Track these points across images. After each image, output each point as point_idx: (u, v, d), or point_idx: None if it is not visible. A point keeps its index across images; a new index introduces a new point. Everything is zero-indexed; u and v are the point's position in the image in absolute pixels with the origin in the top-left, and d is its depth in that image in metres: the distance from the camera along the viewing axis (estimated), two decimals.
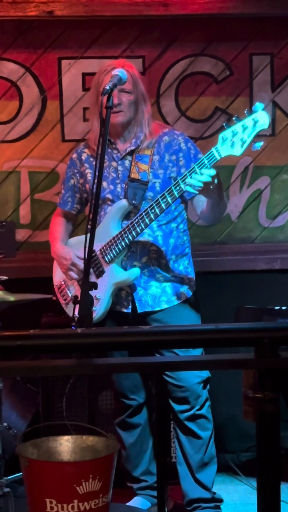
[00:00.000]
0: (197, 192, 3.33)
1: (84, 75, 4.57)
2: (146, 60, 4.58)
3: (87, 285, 2.76)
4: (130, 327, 2.77)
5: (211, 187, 3.31)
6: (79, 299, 2.78)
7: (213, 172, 3.29)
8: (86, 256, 2.91)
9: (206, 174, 3.28)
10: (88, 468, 2.00)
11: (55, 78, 4.58)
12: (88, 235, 2.93)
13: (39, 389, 4.13)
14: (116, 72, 3.25)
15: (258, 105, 3.30)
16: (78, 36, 4.54)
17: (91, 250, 2.93)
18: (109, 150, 3.63)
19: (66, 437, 2.18)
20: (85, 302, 2.71)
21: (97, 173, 2.90)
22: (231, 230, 4.72)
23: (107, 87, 3.10)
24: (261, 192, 4.72)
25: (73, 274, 3.63)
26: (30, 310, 3.97)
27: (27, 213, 4.64)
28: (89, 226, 3.65)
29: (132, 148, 3.61)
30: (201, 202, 3.57)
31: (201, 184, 3.28)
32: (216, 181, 3.32)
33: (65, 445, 2.16)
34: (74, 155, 3.78)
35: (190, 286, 3.70)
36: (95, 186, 3.00)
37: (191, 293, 3.70)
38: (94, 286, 2.84)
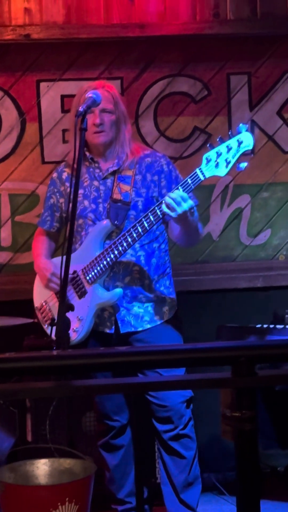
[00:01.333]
0: (173, 215, 3.32)
1: (63, 97, 4.58)
2: (124, 81, 4.59)
3: (63, 308, 2.76)
4: (106, 348, 2.77)
5: (186, 218, 3.31)
6: (56, 321, 2.77)
7: (184, 194, 3.30)
8: (61, 278, 2.90)
9: (186, 206, 3.28)
10: (64, 491, 1.98)
11: (34, 100, 4.59)
12: (64, 257, 2.93)
13: (24, 413, 4.12)
14: (90, 94, 3.27)
15: (242, 126, 3.32)
16: (56, 59, 4.55)
17: (67, 272, 2.93)
18: (91, 169, 3.65)
19: (43, 460, 2.17)
20: (62, 324, 2.70)
21: (71, 197, 2.90)
22: (212, 249, 4.73)
23: (81, 109, 3.12)
24: (242, 211, 4.73)
25: (54, 286, 3.63)
26: (12, 332, 3.96)
27: (8, 235, 4.63)
28: (72, 247, 3.69)
29: (114, 168, 3.63)
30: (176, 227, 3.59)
31: (176, 206, 3.27)
32: (192, 212, 3.33)
33: (42, 469, 2.15)
34: (55, 175, 3.80)
35: (172, 306, 3.71)
36: (71, 205, 3.00)
37: (173, 313, 3.70)
38: (71, 308, 2.84)
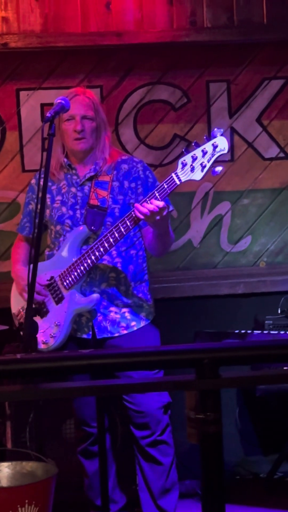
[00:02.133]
0: (143, 218, 3.34)
1: (43, 105, 4.59)
2: (104, 89, 4.61)
3: (30, 312, 2.77)
4: (69, 351, 2.77)
5: (157, 217, 3.31)
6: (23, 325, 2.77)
7: (160, 203, 3.30)
8: (29, 282, 2.91)
9: (154, 204, 3.29)
10: (24, 493, 1.98)
11: (14, 109, 4.61)
12: (32, 262, 2.93)
13: (3, 420, 4.11)
14: (59, 99, 3.28)
15: (217, 130, 3.32)
16: (35, 67, 4.57)
17: (34, 276, 2.94)
18: (69, 175, 3.67)
19: (5, 464, 2.17)
20: (29, 328, 2.71)
21: (39, 206, 2.93)
22: (193, 256, 4.74)
23: (48, 115, 3.14)
24: (222, 217, 4.75)
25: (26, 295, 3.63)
26: None
27: None
28: (47, 252, 3.70)
29: (92, 174, 3.64)
30: (149, 233, 3.60)
31: (147, 211, 3.29)
32: (164, 213, 3.33)
33: (5, 471, 2.15)
34: (33, 181, 3.81)
35: (149, 312, 3.71)
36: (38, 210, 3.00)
37: (150, 319, 3.71)
38: (38, 312, 2.84)
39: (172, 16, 4.47)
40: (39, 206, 3.00)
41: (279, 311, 4.40)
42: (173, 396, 3.74)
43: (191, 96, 4.68)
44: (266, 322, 4.31)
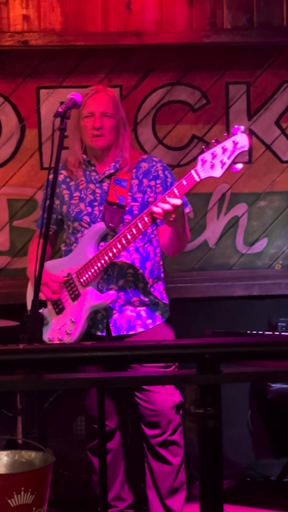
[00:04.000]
0: (160, 216, 3.33)
1: (62, 104, 4.60)
2: (124, 89, 4.63)
3: (36, 303, 2.79)
4: (72, 343, 2.79)
5: (174, 215, 3.30)
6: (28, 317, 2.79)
7: (177, 201, 3.28)
8: (36, 274, 2.93)
9: (170, 202, 3.27)
10: (19, 481, 2.00)
11: (34, 107, 4.64)
12: (40, 252, 2.95)
13: (15, 415, 4.14)
14: (71, 95, 3.30)
15: (238, 127, 3.28)
16: (56, 66, 4.60)
17: (41, 267, 2.95)
18: (88, 172, 3.67)
19: (4, 452, 2.19)
20: (34, 320, 2.73)
21: (47, 203, 2.94)
22: (208, 257, 4.75)
23: (60, 110, 3.15)
24: (239, 219, 4.75)
25: (42, 294, 3.65)
26: (7, 335, 3.98)
27: (5, 240, 4.67)
28: (64, 248, 3.72)
29: (111, 171, 3.64)
30: (165, 232, 3.59)
31: (160, 211, 3.28)
32: (180, 211, 3.31)
33: (4, 460, 2.17)
34: (51, 176, 3.79)
35: (164, 311, 3.71)
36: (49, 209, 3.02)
37: (165, 318, 3.71)
38: (43, 304, 2.86)
39: (192, 17, 4.49)
40: (47, 203, 3.02)
41: None
42: (185, 396, 3.73)
43: (210, 97, 4.69)
44: (279, 324, 4.31)
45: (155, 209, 3.29)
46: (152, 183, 3.65)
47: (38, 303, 2.83)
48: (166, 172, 3.71)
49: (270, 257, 4.77)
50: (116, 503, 3.79)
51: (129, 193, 3.61)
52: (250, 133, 4.71)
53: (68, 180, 3.71)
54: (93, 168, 3.67)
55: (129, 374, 2.30)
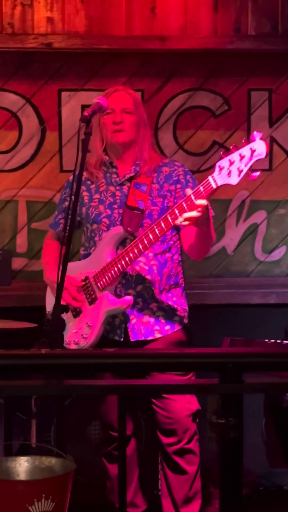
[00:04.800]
0: (187, 223, 3.29)
1: (84, 107, 4.62)
2: (145, 93, 4.63)
3: (58, 309, 2.77)
4: (95, 349, 2.78)
5: (201, 216, 3.27)
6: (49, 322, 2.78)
7: (203, 202, 3.24)
8: (58, 280, 2.91)
9: (197, 204, 3.22)
10: (41, 487, 1.99)
11: (55, 109, 4.64)
12: (62, 259, 2.94)
13: (29, 418, 4.13)
14: (98, 99, 3.29)
15: (256, 134, 3.24)
16: (78, 69, 4.60)
17: (64, 274, 2.94)
18: (108, 174, 3.65)
19: (25, 458, 2.18)
20: (55, 325, 2.72)
21: (65, 204, 2.91)
22: (226, 264, 4.73)
23: (86, 114, 3.13)
24: (258, 226, 4.73)
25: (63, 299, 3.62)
26: (23, 337, 3.98)
27: (23, 242, 4.67)
28: (83, 252, 3.71)
29: (132, 174, 3.62)
30: (190, 234, 3.55)
31: (191, 215, 3.24)
32: (205, 211, 3.27)
33: (24, 465, 2.16)
34: (71, 177, 3.75)
35: (183, 316, 3.69)
36: (71, 211, 3.00)
37: (184, 324, 3.69)
38: (65, 309, 2.85)
39: (216, 23, 4.48)
40: (65, 204, 2.98)
41: None
42: (201, 403, 3.72)
43: (232, 103, 4.68)
44: None
45: (183, 217, 3.23)
46: (173, 187, 3.62)
47: (60, 308, 2.81)
48: (188, 176, 3.68)
49: None
50: (130, 510, 3.76)
51: (149, 197, 3.59)
52: (271, 140, 4.70)
53: (88, 182, 3.69)
54: (114, 170, 3.65)
55: (150, 382, 2.28)
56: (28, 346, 4.13)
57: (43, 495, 1.99)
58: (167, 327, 3.63)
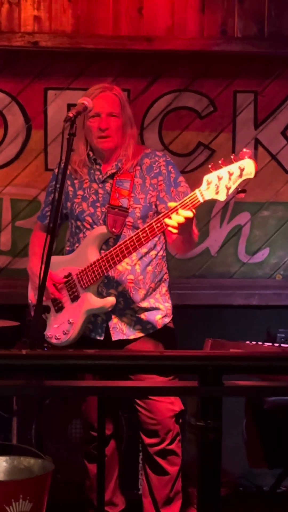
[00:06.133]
0: (172, 231, 3.27)
1: (69, 106, 4.62)
2: (131, 93, 4.63)
3: (40, 308, 2.78)
4: (75, 350, 2.78)
5: (185, 225, 3.26)
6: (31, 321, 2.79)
7: (190, 214, 3.21)
8: (40, 279, 2.92)
9: (183, 215, 3.20)
10: (19, 488, 1.99)
11: (41, 108, 4.64)
12: (44, 257, 2.94)
13: (9, 415, 4.13)
14: (82, 100, 3.29)
15: (245, 152, 3.19)
16: (64, 68, 4.60)
17: (46, 273, 2.94)
18: (92, 170, 3.64)
19: (3, 458, 2.18)
20: (37, 324, 2.72)
21: (51, 197, 2.90)
22: (210, 265, 4.74)
23: (70, 115, 3.13)
24: (241, 228, 4.75)
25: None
26: (5, 336, 3.98)
27: (7, 240, 4.67)
28: (68, 249, 3.71)
29: (113, 171, 3.61)
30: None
31: (176, 225, 3.22)
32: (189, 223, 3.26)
33: (2, 465, 2.16)
34: (57, 170, 3.74)
35: (166, 314, 3.68)
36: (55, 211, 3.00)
37: (168, 321, 3.68)
38: (47, 309, 2.85)
39: (203, 25, 4.49)
40: (51, 197, 2.94)
41: None
42: (185, 404, 3.73)
43: (217, 105, 4.69)
44: (278, 335, 4.30)
45: (169, 222, 3.23)
46: (154, 180, 3.61)
47: (41, 308, 2.82)
48: (170, 167, 3.65)
49: (271, 267, 4.77)
50: (108, 509, 3.78)
51: (132, 194, 3.59)
52: (256, 142, 4.71)
53: (72, 177, 3.68)
54: (97, 167, 3.63)
55: (132, 384, 2.28)
56: (10, 344, 4.15)
57: (21, 496, 1.99)
58: (149, 326, 3.63)
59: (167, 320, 3.69)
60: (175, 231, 3.23)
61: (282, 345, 4.02)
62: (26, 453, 2.38)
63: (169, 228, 3.24)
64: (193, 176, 4.57)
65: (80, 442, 4.03)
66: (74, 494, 4.02)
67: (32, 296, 3.75)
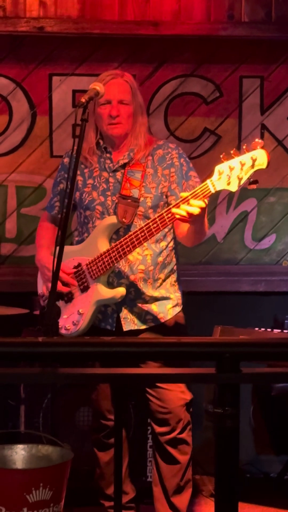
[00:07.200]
0: (183, 221, 3.25)
1: (74, 92, 4.59)
2: (137, 79, 4.54)
3: (53, 296, 2.76)
4: (92, 337, 2.76)
5: (197, 215, 3.21)
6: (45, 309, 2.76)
7: (202, 204, 3.18)
8: (54, 268, 2.89)
9: (195, 205, 3.17)
10: (39, 476, 1.98)
11: (45, 94, 4.61)
12: (57, 248, 2.91)
13: (17, 403, 4.12)
14: (94, 85, 3.25)
15: (258, 142, 3.16)
16: (69, 53, 4.57)
17: (59, 261, 2.92)
18: (102, 159, 3.61)
19: (21, 446, 2.17)
20: (51, 312, 2.70)
21: (60, 187, 2.87)
22: (216, 251, 4.72)
23: (83, 100, 3.10)
24: (248, 214, 4.73)
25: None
26: (12, 323, 3.97)
27: (13, 227, 4.64)
28: (77, 238, 3.68)
29: (125, 161, 3.57)
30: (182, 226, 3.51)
31: (187, 214, 3.19)
32: (202, 212, 3.21)
33: (20, 454, 2.15)
34: (66, 159, 3.69)
35: (176, 303, 3.65)
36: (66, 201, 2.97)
37: (178, 310, 3.66)
38: (60, 297, 2.83)
39: (209, 9, 4.45)
40: (60, 187, 2.91)
41: None
42: (195, 393, 3.72)
43: (223, 90, 4.66)
44: (286, 321, 4.29)
45: (177, 211, 3.20)
46: (166, 171, 3.58)
47: (55, 295, 2.79)
48: (182, 160, 3.62)
49: (278, 253, 4.75)
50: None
51: (143, 184, 3.55)
52: (262, 127, 4.69)
53: (82, 166, 3.64)
54: (108, 155, 3.60)
55: (146, 371, 2.27)
56: (17, 331, 4.14)
57: (41, 484, 1.98)
58: (160, 316, 3.61)
59: (177, 309, 3.66)
60: (183, 221, 3.21)
61: None
62: (38, 439, 2.37)
63: (180, 218, 3.20)
64: (199, 162, 4.55)
65: (88, 430, 4.01)
66: (82, 482, 4.01)
67: (42, 288, 3.70)
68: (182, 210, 3.19)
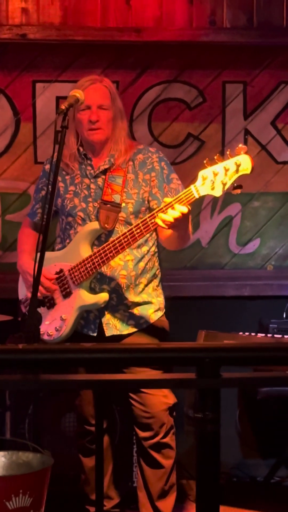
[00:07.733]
0: (166, 227, 3.26)
1: (58, 98, 4.61)
2: (120, 85, 4.61)
3: (34, 302, 2.76)
4: (72, 343, 2.77)
5: (180, 220, 3.21)
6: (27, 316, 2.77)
7: (185, 209, 3.18)
8: (35, 274, 2.90)
9: (178, 210, 3.18)
10: (18, 483, 1.98)
11: (29, 100, 4.61)
12: (38, 254, 2.92)
13: (3, 410, 4.12)
14: (74, 92, 3.27)
15: (241, 147, 3.16)
16: (52, 60, 4.58)
17: (40, 267, 2.92)
18: (83, 166, 3.62)
19: (2, 453, 2.17)
20: (32, 318, 2.70)
21: (41, 193, 2.89)
22: (201, 256, 4.74)
23: (63, 107, 3.11)
24: (232, 219, 4.74)
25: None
26: None
27: None
28: (59, 245, 3.69)
29: (106, 166, 3.58)
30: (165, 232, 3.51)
31: (172, 220, 3.20)
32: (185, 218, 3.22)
33: (1, 461, 2.15)
34: (47, 166, 3.69)
35: (158, 308, 3.67)
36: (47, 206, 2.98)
37: (160, 315, 3.67)
38: (42, 303, 2.84)
39: (191, 15, 4.47)
40: (41, 193, 2.93)
41: (284, 316, 4.39)
42: (178, 397, 3.72)
43: (206, 96, 4.68)
44: (270, 325, 4.30)
45: (164, 216, 3.20)
46: (147, 176, 3.59)
47: (36, 301, 2.80)
48: (163, 163, 3.63)
49: (263, 257, 4.77)
50: (103, 502, 3.77)
51: (124, 190, 3.57)
52: (246, 133, 4.71)
53: (64, 173, 3.65)
54: (89, 162, 3.61)
55: (128, 377, 2.27)
56: (2, 338, 4.14)
57: (21, 491, 1.98)
58: (142, 321, 3.62)
59: (160, 314, 3.68)
60: (166, 227, 3.22)
61: (275, 335, 4.03)
62: (22, 446, 2.37)
63: (164, 224, 3.21)
64: (183, 167, 4.57)
65: (74, 436, 4.01)
66: (68, 487, 4.01)
67: (24, 293, 3.71)
68: (168, 216, 3.19)
